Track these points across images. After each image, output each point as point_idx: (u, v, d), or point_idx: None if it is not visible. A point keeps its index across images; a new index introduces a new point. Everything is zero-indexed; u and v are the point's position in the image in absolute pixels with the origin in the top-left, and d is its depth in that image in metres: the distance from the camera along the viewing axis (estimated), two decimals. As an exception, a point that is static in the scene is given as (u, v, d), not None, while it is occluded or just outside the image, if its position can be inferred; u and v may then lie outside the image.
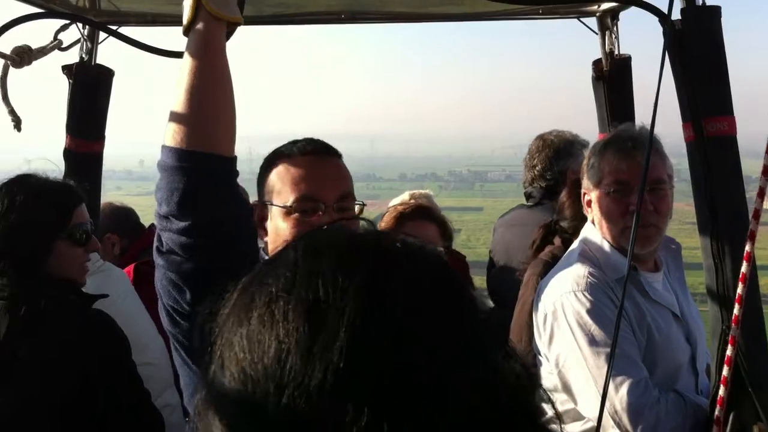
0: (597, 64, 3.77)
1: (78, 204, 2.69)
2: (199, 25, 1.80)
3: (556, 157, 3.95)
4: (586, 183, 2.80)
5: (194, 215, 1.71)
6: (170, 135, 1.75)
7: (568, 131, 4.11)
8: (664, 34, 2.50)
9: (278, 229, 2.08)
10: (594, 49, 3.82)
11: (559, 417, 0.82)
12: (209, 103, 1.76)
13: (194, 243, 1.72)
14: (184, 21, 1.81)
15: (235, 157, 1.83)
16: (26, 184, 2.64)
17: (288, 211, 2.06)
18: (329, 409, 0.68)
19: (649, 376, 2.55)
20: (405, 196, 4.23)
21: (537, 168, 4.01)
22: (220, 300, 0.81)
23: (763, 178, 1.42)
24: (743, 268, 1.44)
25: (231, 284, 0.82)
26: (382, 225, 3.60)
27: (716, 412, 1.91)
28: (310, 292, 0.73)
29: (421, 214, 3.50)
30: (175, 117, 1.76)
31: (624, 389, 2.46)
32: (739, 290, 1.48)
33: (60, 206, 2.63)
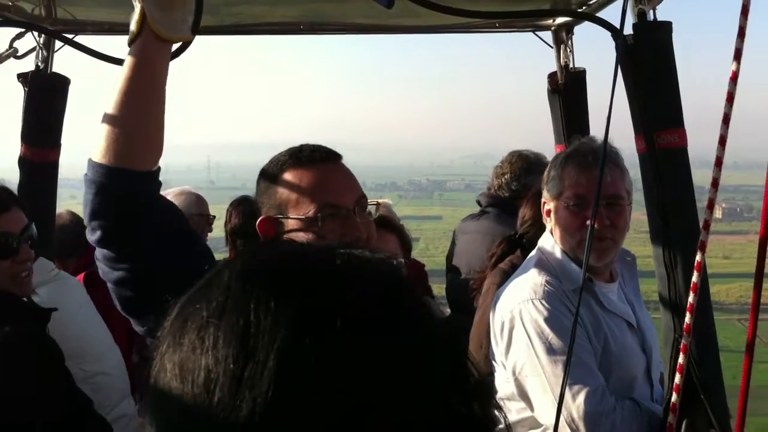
0: (552, 77, 3.83)
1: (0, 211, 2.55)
2: (141, 42, 1.78)
3: (527, 170, 4.05)
4: (546, 193, 2.84)
5: (102, 228, 1.76)
6: (94, 146, 1.77)
7: (542, 154, 4.23)
8: (617, 48, 2.55)
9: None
10: (549, 63, 3.88)
11: (508, 428, 0.81)
12: (133, 119, 1.75)
13: (107, 254, 1.80)
14: (129, 34, 1.79)
15: (154, 170, 1.79)
16: None
17: (310, 222, 1.98)
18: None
19: (606, 383, 2.59)
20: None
21: (505, 176, 4.11)
22: (163, 317, 0.78)
23: (712, 190, 1.46)
24: (694, 278, 1.48)
25: (172, 301, 0.78)
26: None
27: (669, 419, 1.95)
28: (241, 317, 0.69)
29: (381, 224, 3.52)
30: (100, 128, 1.76)
31: (581, 397, 2.48)
32: (690, 299, 1.52)
33: None
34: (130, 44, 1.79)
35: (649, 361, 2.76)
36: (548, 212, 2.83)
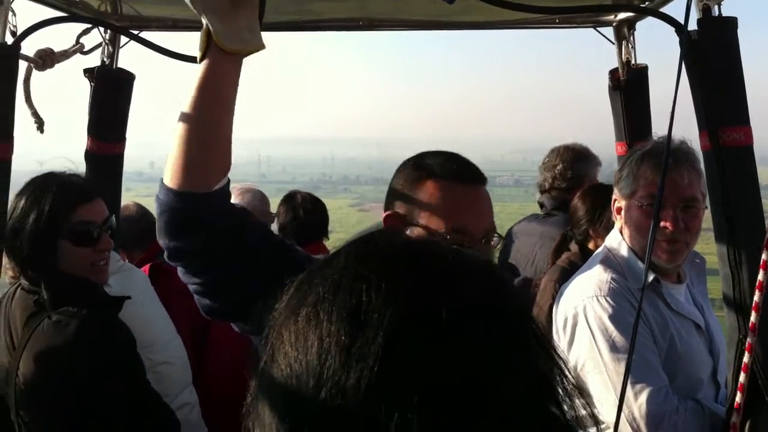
0: (614, 73, 3.80)
1: (82, 201, 2.66)
2: (208, 60, 1.71)
3: (577, 159, 4.06)
4: (617, 191, 2.82)
5: (166, 246, 1.80)
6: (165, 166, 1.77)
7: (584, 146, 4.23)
8: (681, 44, 2.52)
9: None
10: (609, 59, 3.84)
11: (597, 422, 0.83)
12: (200, 143, 1.71)
13: (179, 268, 1.83)
14: (198, 53, 1.73)
15: (217, 190, 1.75)
16: (33, 183, 2.68)
17: (435, 237, 1.96)
18: (362, 409, 0.70)
19: (670, 384, 2.56)
20: None
21: (557, 168, 4.11)
22: (279, 295, 0.85)
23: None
24: (760, 276, 1.46)
25: (289, 281, 0.85)
26: None
27: (733, 419, 1.93)
28: (354, 296, 0.76)
29: None
30: (169, 148, 1.76)
31: (644, 396, 2.47)
32: (756, 298, 1.50)
33: (60, 203, 2.61)
34: (199, 62, 1.72)
35: (716, 364, 2.73)
36: (618, 210, 2.81)
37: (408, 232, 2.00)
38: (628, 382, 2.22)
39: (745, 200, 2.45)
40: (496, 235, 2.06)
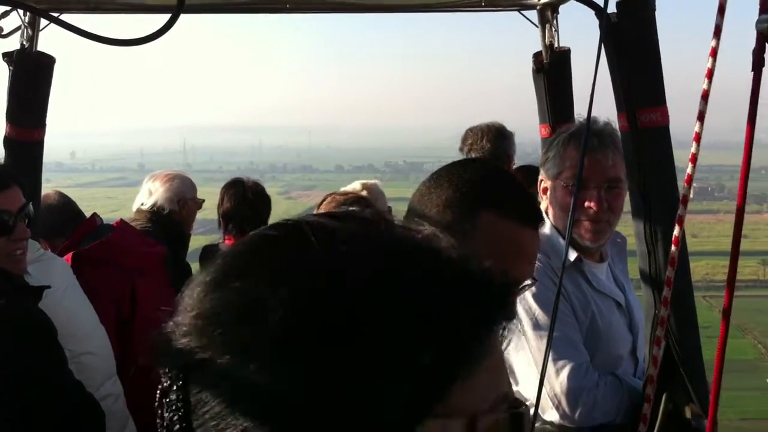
0: (537, 56, 3.86)
1: None
2: None
3: (501, 138, 4.14)
4: (543, 172, 2.86)
5: None
6: None
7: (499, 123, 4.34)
8: (600, 27, 2.58)
9: None
10: (534, 43, 3.91)
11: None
12: None
13: None
14: None
15: None
16: None
17: None
18: (268, 371, 0.69)
19: (590, 360, 2.63)
20: (356, 185, 4.32)
21: (487, 149, 4.17)
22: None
23: (691, 166, 1.51)
24: (672, 251, 1.52)
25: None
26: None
27: (647, 391, 2.00)
28: (272, 260, 0.75)
29: (360, 205, 3.55)
30: None
31: (565, 373, 2.52)
32: (668, 273, 1.56)
33: None
34: None
35: (635, 341, 2.81)
36: (544, 190, 2.85)
37: None
38: (550, 358, 2.26)
39: (661, 179, 2.54)
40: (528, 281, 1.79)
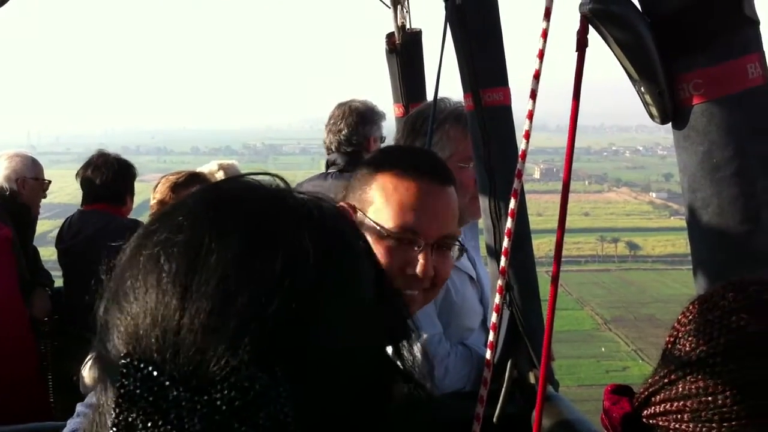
0: (390, 37, 3.92)
1: None
2: None
3: (361, 122, 4.11)
4: None
5: None
6: None
7: (368, 101, 4.30)
8: (446, 8, 2.66)
9: None
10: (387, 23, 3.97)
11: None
12: None
13: None
14: None
15: None
16: None
17: (383, 234, 1.85)
18: (196, 348, 0.70)
19: (443, 331, 2.72)
20: (213, 166, 4.25)
21: (343, 132, 4.13)
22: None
23: (525, 142, 1.60)
24: (508, 224, 1.61)
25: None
26: (157, 195, 3.59)
27: (487, 356, 2.09)
28: (195, 238, 0.76)
29: (195, 182, 3.51)
30: None
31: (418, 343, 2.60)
32: (505, 244, 1.65)
33: None
34: None
35: (485, 312, 2.93)
36: None
37: (358, 225, 1.83)
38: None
39: (504, 156, 2.64)
40: (456, 243, 1.94)
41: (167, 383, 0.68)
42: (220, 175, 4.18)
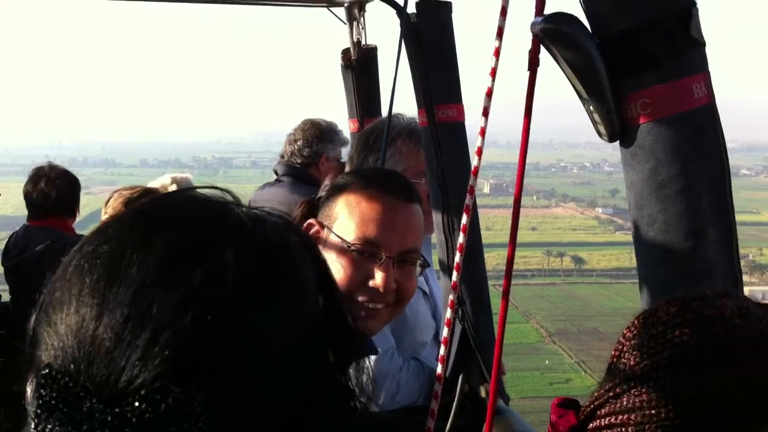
0: (346, 53, 3.95)
1: None
2: None
3: (318, 139, 4.17)
4: None
5: None
6: None
7: (334, 123, 4.37)
8: (401, 25, 2.69)
9: (332, 262, 1.89)
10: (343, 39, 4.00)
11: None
12: None
13: None
14: None
15: None
16: None
17: (345, 248, 1.89)
18: (111, 357, 0.70)
19: (396, 346, 2.73)
20: (166, 179, 4.22)
21: (298, 143, 4.21)
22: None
23: (477, 158, 1.63)
24: (460, 239, 1.65)
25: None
26: (109, 210, 3.55)
27: (438, 370, 2.11)
28: (119, 249, 0.76)
29: (148, 197, 3.48)
30: None
31: (371, 359, 2.61)
32: (457, 258, 1.68)
33: None
34: None
35: (438, 327, 2.94)
36: None
37: (323, 238, 1.92)
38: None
39: (457, 171, 2.67)
40: (419, 259, 1.98)
41: (81, 394, 0.68)
42: (173, 189, 4.15)
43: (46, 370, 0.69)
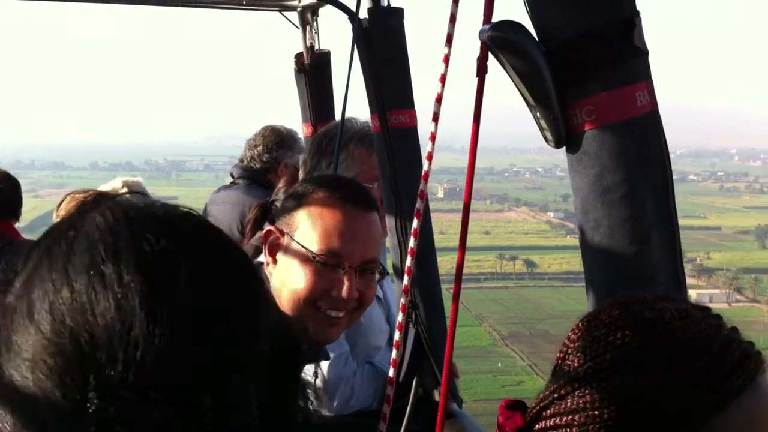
0: (299, 57, 3.95)
1: None
2: None
3: (279, 144, 4.17)
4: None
5: None
6: None
7: (294, 131, 4.37)
8: (353, 31, 2.70)
9: (294, 270, 1.95)
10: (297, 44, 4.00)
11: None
12: None
13: None
14: None
15: None
16: None
17: (308, 258, 1.93)
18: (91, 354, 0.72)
19: (350, 351, 2.73)
20: (117, 183, 4.16)
21: (258, 148, 4.21)
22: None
23: (427, 163, 1.65)
24: (411, 243, 1.68)
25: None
26: (61, 213, 3.50)
27: (390, 374, 2.12)
28: (90, 252, 0.77)
29: (101, 202, 3.43)
30: None
31: (325, 364, 2.61)
32: (408, 263, 1.70)
33: None
34: None
35: (392, 331, 2.95)
36: None
37: (285, 245, 1.96)
38: (310, 350, 2.33)
39: (410, 176, 2.69)
40: (378, 268, 2.04)
41: None
42: (124, 193, 4.11)
43: None
